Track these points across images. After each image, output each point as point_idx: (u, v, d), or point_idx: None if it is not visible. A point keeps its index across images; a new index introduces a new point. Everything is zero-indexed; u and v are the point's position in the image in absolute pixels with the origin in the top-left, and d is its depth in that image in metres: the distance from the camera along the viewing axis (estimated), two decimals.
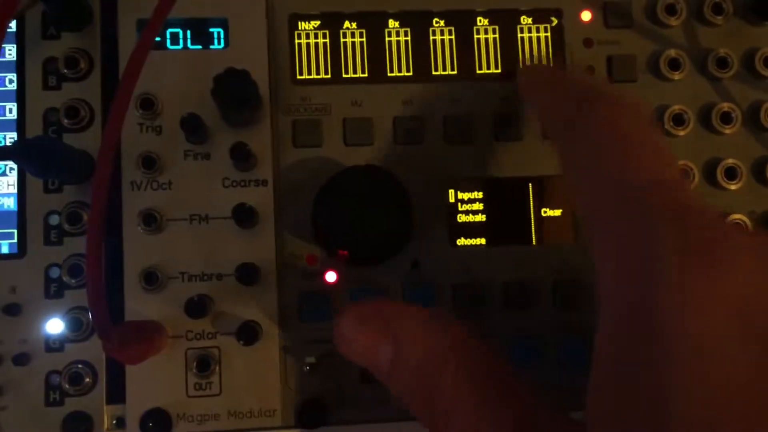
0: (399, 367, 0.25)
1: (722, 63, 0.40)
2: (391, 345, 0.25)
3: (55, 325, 0.37)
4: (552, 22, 0.41)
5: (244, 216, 0.37)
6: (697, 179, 0.40)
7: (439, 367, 0.24)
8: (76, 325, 0.37)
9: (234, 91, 0.35)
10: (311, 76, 0.40)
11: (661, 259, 0.20)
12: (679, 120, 0.40)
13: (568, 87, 0.31)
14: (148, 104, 0.38)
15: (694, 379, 0.18)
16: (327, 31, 0.40)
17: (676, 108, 0.40)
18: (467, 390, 0.24)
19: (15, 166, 0.38)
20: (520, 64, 0.41)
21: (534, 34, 0.41)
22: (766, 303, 0.19)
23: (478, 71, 0.41)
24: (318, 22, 0.40)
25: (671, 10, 0.40)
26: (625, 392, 0.20)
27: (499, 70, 0.41)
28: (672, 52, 0.40)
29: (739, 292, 0.19)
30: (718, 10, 0.41)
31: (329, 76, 0.40)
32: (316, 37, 0.40)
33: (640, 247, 0.21)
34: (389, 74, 0.40)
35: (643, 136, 0.26)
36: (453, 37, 0.41)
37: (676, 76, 0.40)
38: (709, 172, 0.40)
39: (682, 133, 0.40)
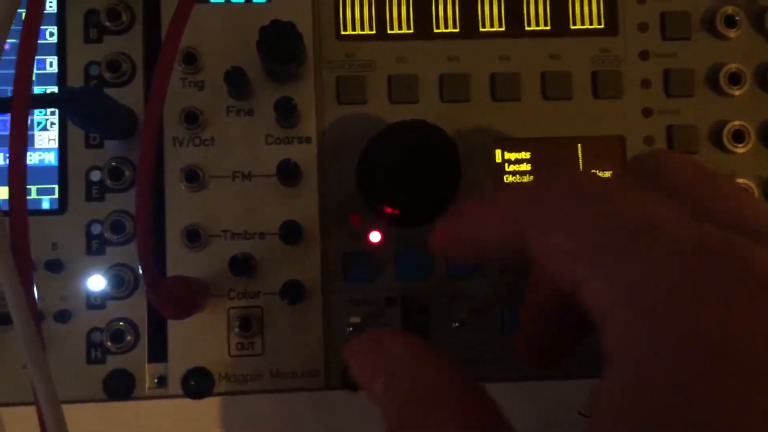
0: (388, 401, 0.25)
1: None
2: (383, 379, 0.25)
3: (96, 282, 0.37)
4: None
5: (288, 173, 0.36)
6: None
7: (423, 411, 0.24)
8: (117, 282, 0.36)
9: (279, 43, 0.34)
10: (356, 32, 0.39)
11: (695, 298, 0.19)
12: (737, 78, 0.39)
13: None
14: (190, 59, 0.37)
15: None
16: None
17: (732, 66, 0.39)
18: None
19: (56, 121, 0.37)
20: (570, 20, 0.39)
21: None
22: None
23: (527, 27, 0.39)
24: None
25: None
26: None
27: (548, 27, 0.39)
28: (728, 9, 0.39)
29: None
30: None
31: (374, 31, 0.39)
32: None
33: (662, 286, 0.19)
34: (435, 30, 0.39)
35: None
36: None
37: (732, 33, 0.39)
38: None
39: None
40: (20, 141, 0.27)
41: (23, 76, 0.27)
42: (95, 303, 0.37)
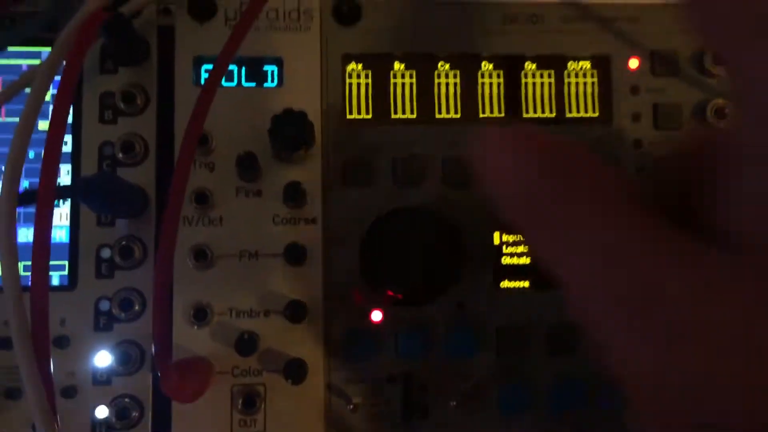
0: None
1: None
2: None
3: (103, 358, 0.37)
4: (600, 68, 0.41)
5: (296, 255, 0.37)
6: None
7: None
8: (124, 359, 0.37)
9: (291, 132, 0.36)
10: (361, 116, 0.40)
11: None
12: None
13: None
14: (202, 141, 0.38)
15: None
16: (377, 72, 0.41)
17: None
18: None
19: (68, 199, 0.38)
20: (566, 108, 0.41)
21: (581, 80, 0.41)
22: None
23: (525, 115, 0.41)
24: (369, 63, 0.41)
25: (718, 60, 0.41)
26: None
27: (545, 114, 0.41)
28: (719, 101, 0.41)
29: None
30: None
31: (379, 116, 0.40)
32: (366, 77, 0.41)
33: None
34: (437, 116, 0.41)
35: None
36: (501, 80, 0.41)
37: (723, 125, 0.41)
38: None
39: None
40: (44, 228, 0.28)
41: (48, 174, 0.28)
42: (101, 379, 0.37)
